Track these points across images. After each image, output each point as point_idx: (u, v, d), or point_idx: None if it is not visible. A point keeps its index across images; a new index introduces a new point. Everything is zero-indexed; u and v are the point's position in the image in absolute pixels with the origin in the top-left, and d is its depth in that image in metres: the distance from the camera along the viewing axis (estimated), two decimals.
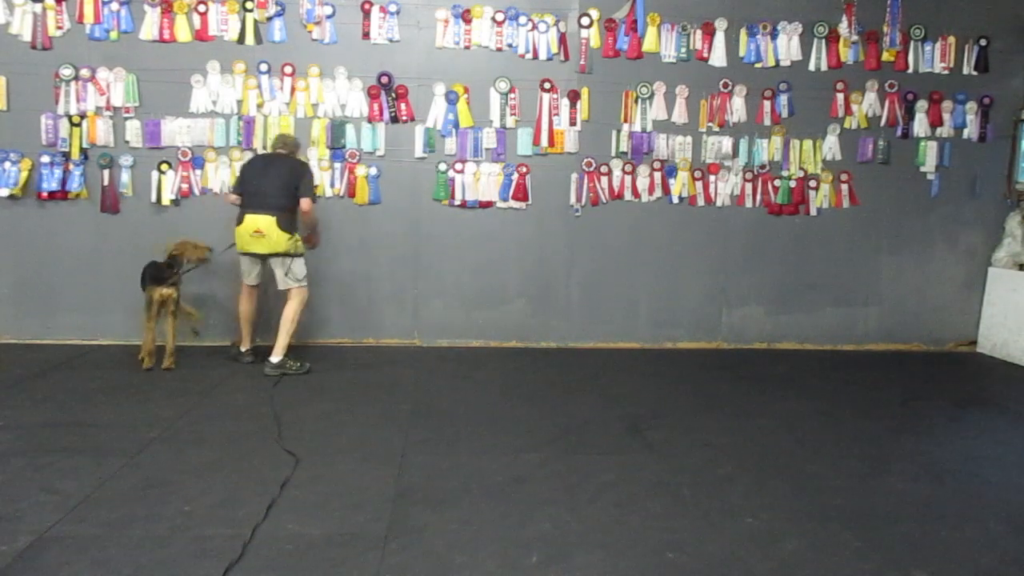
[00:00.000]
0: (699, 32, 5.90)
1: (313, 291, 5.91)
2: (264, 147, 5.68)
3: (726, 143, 6.01)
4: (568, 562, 2.70)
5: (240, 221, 4.99)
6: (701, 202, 6.06)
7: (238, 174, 5.18)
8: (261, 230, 4.90)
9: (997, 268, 6.27)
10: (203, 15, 5.56)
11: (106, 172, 5.59)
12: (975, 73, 6.11)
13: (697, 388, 5.03)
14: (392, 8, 5.67)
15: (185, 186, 5.67)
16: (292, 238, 4.99)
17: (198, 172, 5.67)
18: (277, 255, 5.00)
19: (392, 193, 5.84)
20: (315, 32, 5.64)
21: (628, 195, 6.01)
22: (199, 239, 5.30)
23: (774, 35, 5.97)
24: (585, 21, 5.80)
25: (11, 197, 5.54)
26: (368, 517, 2.99)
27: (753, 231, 6.16)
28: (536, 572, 2.63)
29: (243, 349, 5.32)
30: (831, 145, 6.10)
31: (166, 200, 5.66)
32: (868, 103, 6.08)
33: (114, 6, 5.48)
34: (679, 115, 5.94)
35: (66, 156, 5.54)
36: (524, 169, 5.87)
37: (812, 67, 6.02)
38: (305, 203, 4.97)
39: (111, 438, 3.75)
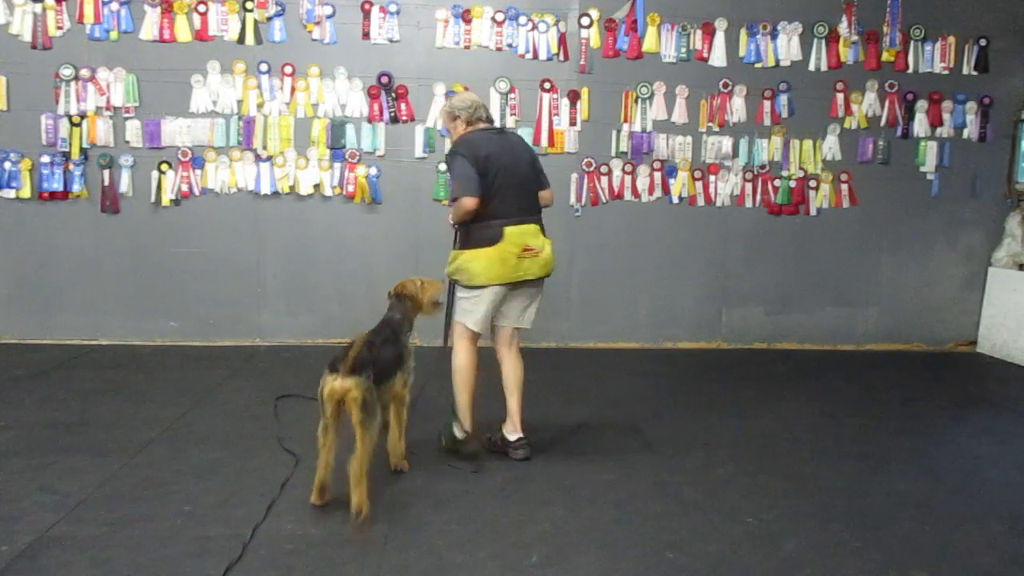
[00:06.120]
0: (699, 32, 5.90)
1: (314, 291, 5.94)
2: (264, 148, 5.68)
3: (726, 143, 6.00)
4: (568, 562, 2.70)
5: (495, 238, 3.46)
6: (701, 202, 6.06)
7: (466, 163, 3.42)
8: (532, 246, 3.52)
9: (997, 268, 6.27)
10: (203, 15, 5.56)
11: (106, 172, 5.60)
12: (975, 73, 6.10)
13: (697, 388, 5.03)
14: (392, 8, 5.67)
15: (185, 186, 5.66)
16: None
17: (198, 172, 5.67)
18: (544, 278, 3.68)
19: (392, 193, 5.84)
20: (315, 32, 5.64)
21: (628, 195, 6.01)
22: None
23: (774, 35, 5.97)
24: (585, 21, 5.80)
25: (17, 198, 5.56)
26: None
27: (753, 231, 6.16)
28: (536, 572, 2.63)
29: (463, 434, 3.61)
30: (831, 145, 6.10)
31: (166, 200, 5.66)
32: (868, 103, 6.08)
33: (114, 6, 5.48)
34: (679, 115, 5.94)
35: (66, 156, 5.54)
36: None
37: (812, 67, 6.02)
38: (550, 195, 3.73)
39: (111, 438, 3.75)
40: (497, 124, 5.69)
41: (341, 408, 2.95)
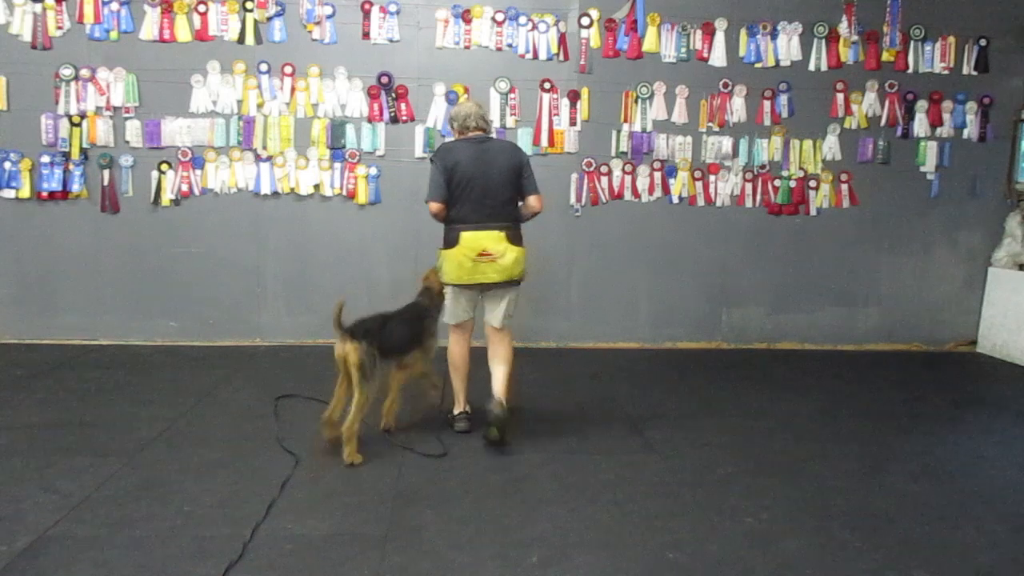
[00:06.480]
0: (699, 32, 5.90)
1: (314, 291, 5.94)
2: (264, 148, 5.68)
3: (726, 143, 6.00)
4: (568, 562, 2.70)
5: (453, 242, 3.81)
6: (701, 202, 6.06)
7: (436, 170, 3.79)
8: (490, 251, 3.76)
9: (997, 268, 6.27)
10: (203, 15, 5.56)
11: (106, 172, 5.60)
12: (975, 73, 6.11)
13: (697, 388, 5.03)
14: (392, 8, 5.67)
15: (185, 186, 5.67)
16: (524, 254, 3.88)
17: (198, 172, 5.67)
18: (511, 282, 3.88)
19: (392, 193, 5.83)
20: (315, 32, 5.64)
21: (628, 195, 6.01)
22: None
23: (774, 35, 5.97)
24: (585, 21, 5.80)
25: (17, 198, 5.55)
26: (368, 517, 2.99)
27: (753, 231, 6.15)
28: (536, 572, 2.63)
29: (458, 411, 4.04)
30: (831, 145, 6.10)
31: (166, 200, 5.66)
32: (868, 103, 6.08)
33: (114, 6, 5.48)
34: (679, 115, 5.94)
35: (66, 156, 5.54)
36: None
37: (812, 67, 6.02)
38: (536, 201, 3.88)
39: (111, 438, 3.75)
40: (497, 125, 5.76)
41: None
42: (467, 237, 3.76)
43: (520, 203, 3.93)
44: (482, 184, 3.75)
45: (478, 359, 4.12)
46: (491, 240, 3.76)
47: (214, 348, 5.69)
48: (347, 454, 3.51)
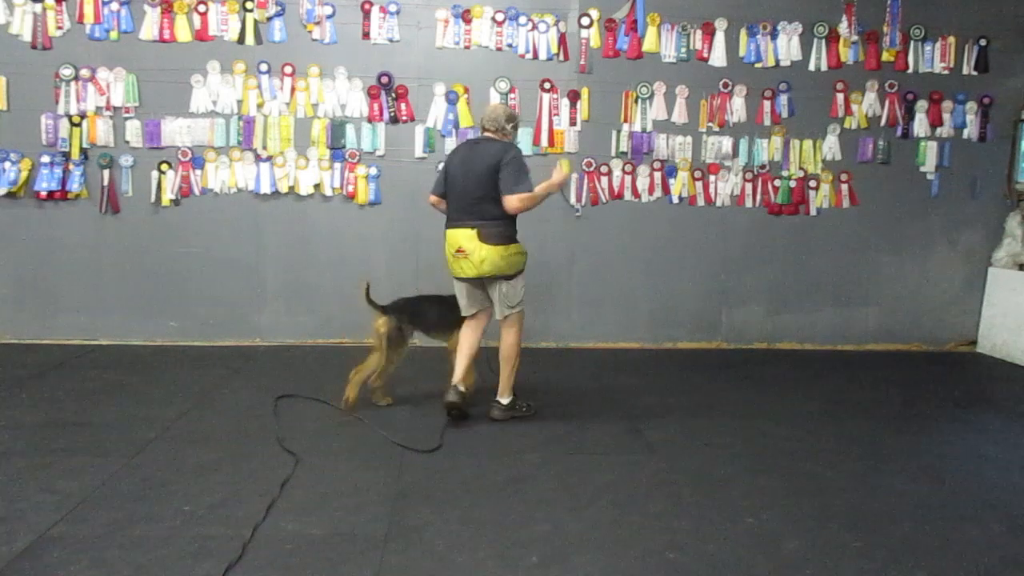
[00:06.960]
0: (699, 32, 5.90)
1: (314, 291, 5.94)
2: (264, 148, 5.69)
3: (726, 143, 6.00)
4: (568, 562, 2.70)
5: (444, 237, 4.10)
6: (701, 202, 6.06)
7: (443, 166, 4.20)
8: (463, 248, 3.92)
9: (997, 268, 6.27)
10: (203, 15, 5.56)
11: (106, 172, 5.60)
12: (975, 73, 6.11)
13: (697, 388, 5.03)
14: (392, 8, 5.67)
15: (185, 186, 5.67)
16: (506, 252, 3.93)
17: (198, 172, 5.67)
18: (486, 278, 4.00)
19: (392, 193, 5.84)
20: (315, 32, 5.65)
21: (628, 195, 6.01)
22: None
23: (774, 35, 5.97)
24: (585, 21, 5.80)
25: (9, 195, 5.54)
26: (368, 517, 2.99)
27: (753, 231, 6.16)
28: (536, 572, 2.63)
29: (453, 383, 4.10)
30: (831, 145, 6.10)
31: (166, 200, 5.66)
32: (868, 103, 6.08)
33: (114, 6, 5.49)
34: (679, 115, 5.94)
35: (66, 156, 5.54)
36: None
37: (812, 67, 6.02)
38: (509, 201, 3.86)
39: (111, 438, 3.75)
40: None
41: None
42: (447, 234, 4.06)
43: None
44: (460, 183, 3.98)
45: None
46: (463, 237, 3.94)
47: (214, 348, 5.69)
48: (349, 388, 4.16)
